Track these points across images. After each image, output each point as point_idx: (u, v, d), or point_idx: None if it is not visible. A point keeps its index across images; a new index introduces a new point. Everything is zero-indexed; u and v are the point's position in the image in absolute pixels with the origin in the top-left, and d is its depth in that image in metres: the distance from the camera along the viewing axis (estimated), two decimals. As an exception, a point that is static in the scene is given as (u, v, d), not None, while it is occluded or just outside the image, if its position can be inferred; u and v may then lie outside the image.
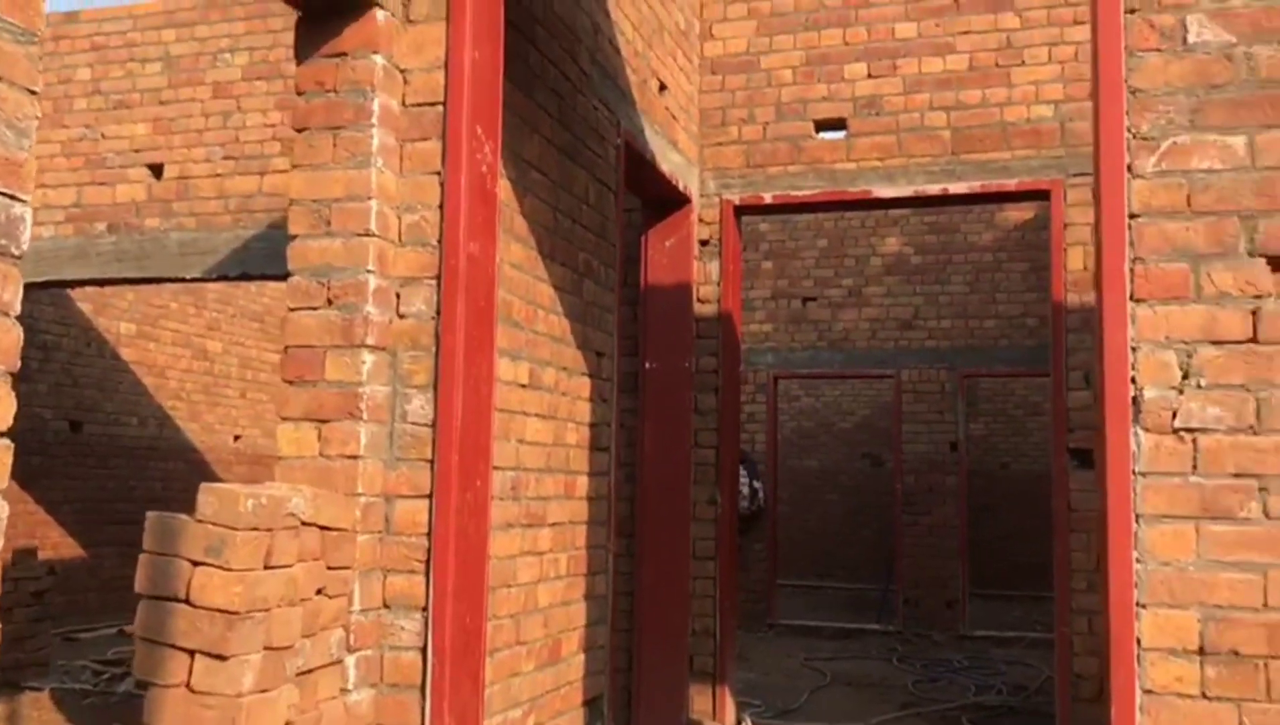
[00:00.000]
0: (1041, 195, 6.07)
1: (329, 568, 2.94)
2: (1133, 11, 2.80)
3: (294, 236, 3.31)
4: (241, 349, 12.02)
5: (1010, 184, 6.04)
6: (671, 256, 6.33)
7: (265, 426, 12.36)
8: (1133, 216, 2.79)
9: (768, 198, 6.39)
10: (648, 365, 6.29)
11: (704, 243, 6.46)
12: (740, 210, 6.48)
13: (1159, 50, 2.78)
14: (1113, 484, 2.78)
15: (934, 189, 6.14)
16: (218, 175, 7.17)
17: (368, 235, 3.23)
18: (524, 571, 4.15)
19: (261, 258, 7.01)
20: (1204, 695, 2.64)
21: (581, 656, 4.69)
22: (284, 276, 5.70)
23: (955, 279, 11.48)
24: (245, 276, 7.00)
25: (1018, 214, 11.42)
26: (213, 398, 11.71)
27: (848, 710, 7.48)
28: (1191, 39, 2.75)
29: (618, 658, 6.05)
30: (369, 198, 3.24)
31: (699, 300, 6.43)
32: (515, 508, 4.08)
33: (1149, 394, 2.74)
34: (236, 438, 12.15)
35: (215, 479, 11.50)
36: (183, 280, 7.08)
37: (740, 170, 6.46)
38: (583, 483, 4.75)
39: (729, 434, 6.40)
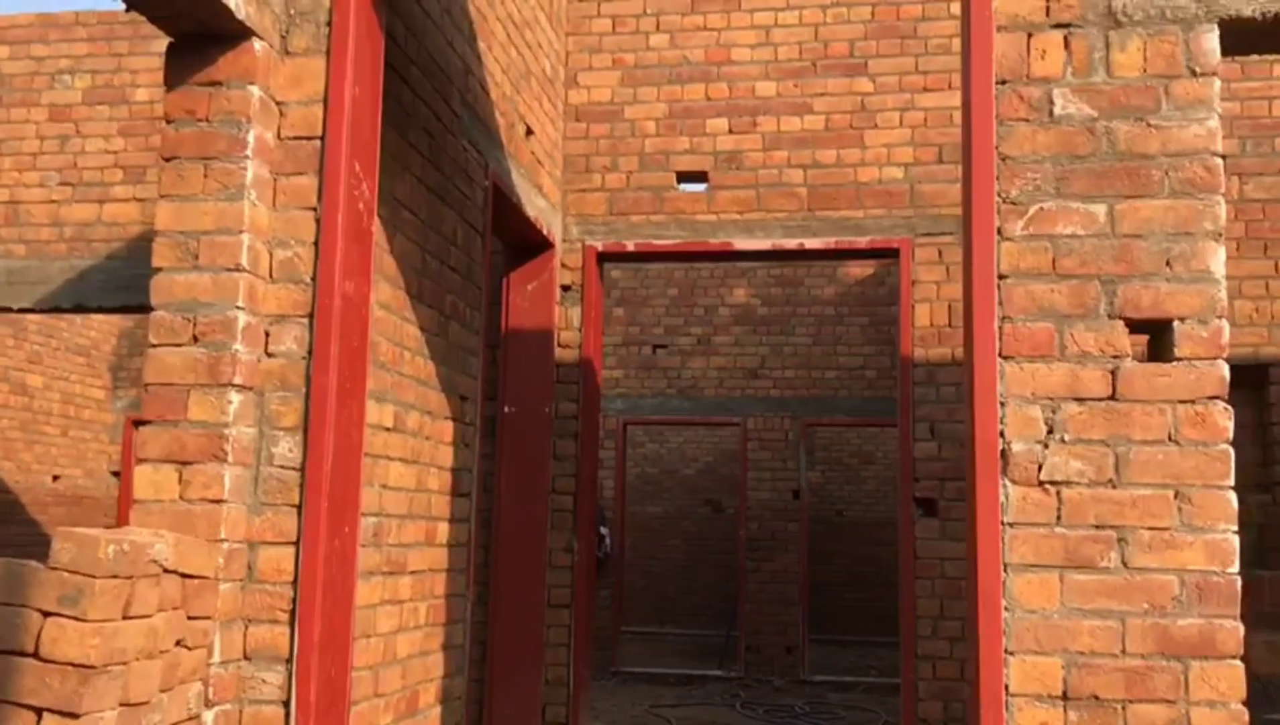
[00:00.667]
0: (891, 253, 6.31)
1: (189, 617, 2.79)
2: (1003, 83, 2.95)
3: (158, 269, 3.15)
4: (65, 384, 11.36)
5: (862, 241, 6.26)
6: (533, 301, 6.31)
7: (87, 466, 11.69)
8: (1001, 277, 2.92)
9: (630, 245, 6.44)
10: (507, 409, 6.23)
11: (566, 288, 6.46)
12: (603, 257, 6.52)
13: (1027, 120, 2.93)
14: (982, 534, 2.88)
15: (791, 243, 6.30)
16: (53, 201, 6.79)
17: (238, 270, 3.11)
18: (384, 621, 4.02)
19: (98, 289, 6.66)
20: (1067, 739, 2.74)
21: (438, 709, 4.57)
22: (121, 309, 5.46)
23: (799, 330, 11.79)
24: (80, 308, 6.63)
25: (858, 270, 11.84)
26: (31, 435, 11.01)
27: (696, 758, 7.50)
28: (1058, 111, 2.91)
29: (470, 709, 5.92)
30: (241, 231, 3.12)
31: (560, 345, 6.41)
32: (377, 555, 3.95)
33: (1016, 447, 2.86)
34: (55, 478, 11.45)
35: (28, 521, 10.79)
36: (10, 310, 6.65)
37: (603, 217, 6.50)
38: (443, 529, 4.65)
39: (587, 481, 6.38)
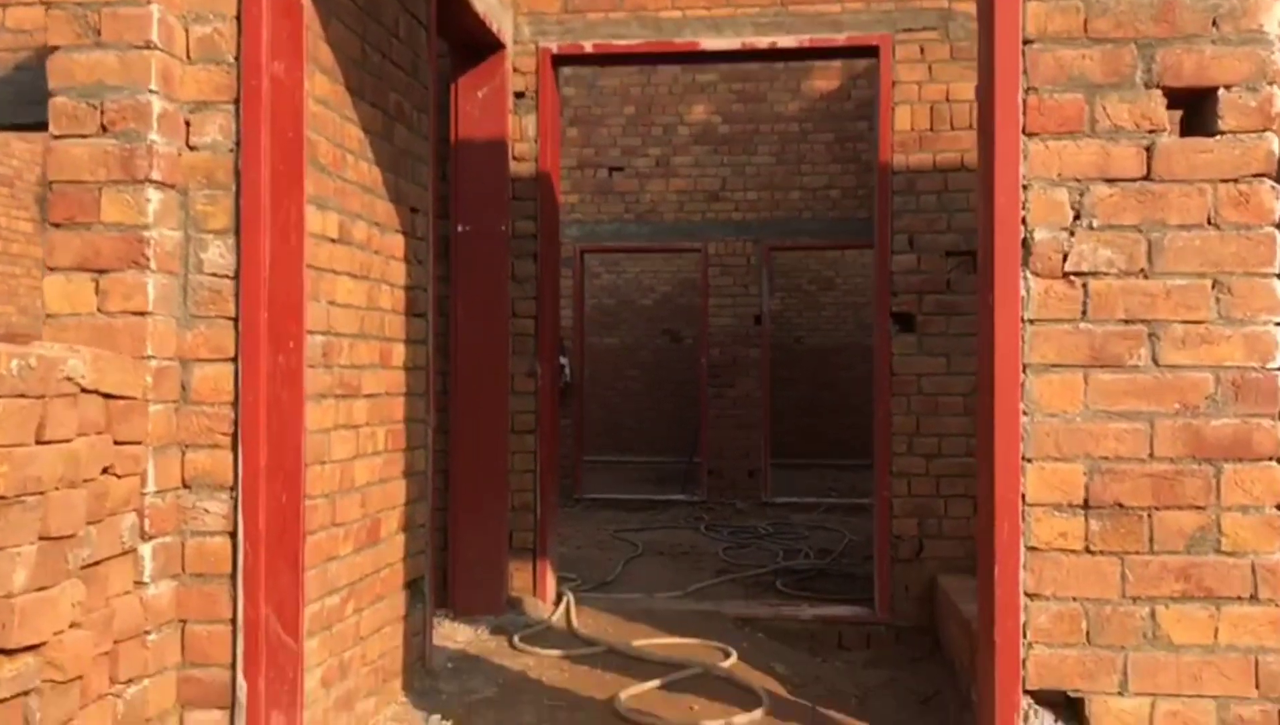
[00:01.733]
0: (870, 51, 5.89)
1: (116, 442, 2.47)
2: None
3: (55, 48, 2.71)
4: (-13, 217, 10.74)
5: (839, 38, 5.83)
6: (485, 109, 5.85)
7: (20, 302, 11.18)
8: (1027, 43, 2.57)
9: (588, 46, 5.96)
10: (460, 228, 5.85)
11: (519, 95, 6.00)
12: (559, 60, 6.04)
13: None
14: (1000, 333, 2.61)
15: (762, 42, 5.86)
16: (-52, 4, 6.13)
17: (149, 47, 2.68)
18: (339, 446, 3.73)
19: (9, 104, 6.08)
20: (1088, 550, 2.55)
21: (401, 537, 4.34)
22: (36, 126, 4.94)
23: (762, 149, 11.36)
24: (-12, 124, 6.05)
25: (824, 83, 11.36)
26: (-45, 271, 10.45)
27: (664, 579, 7.43)
28: None
29: (435, 538, 5.74)
30: (149, 1, 2.68)
31: (515, 158, 5.99)
32: (328, 376, 3.64)
33: (1039, 236, 2.57)
34: (-14, 316, 10.94)
35: (-37, 361, 10.34)
36: (-90, 127, 6.06)
37: (558, 16, 5.99)
38: (399, 351, 4.33)
39: (548, 303, 6.06)
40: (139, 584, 2.58)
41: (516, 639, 5.28)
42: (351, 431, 3.85)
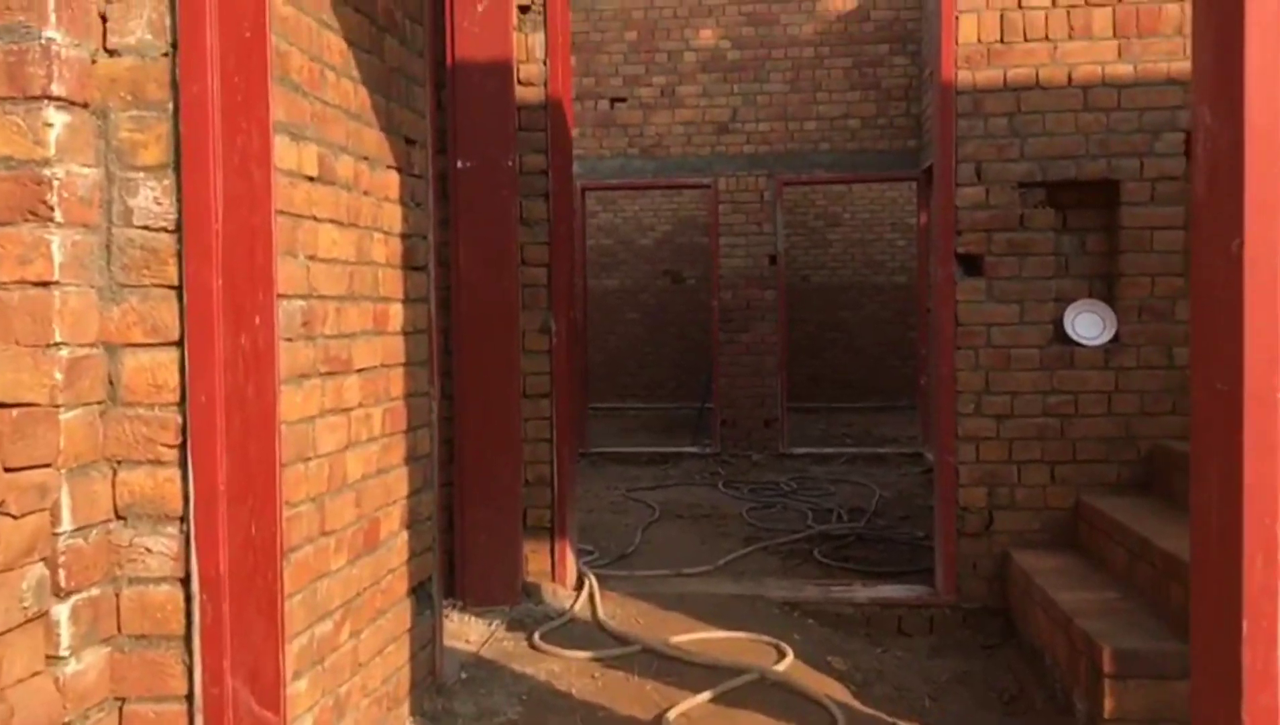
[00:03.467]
0: (929, -48, 5.09)
1: (7, 469, 1.74)
2: None
3: (-96, -92, 1.93)
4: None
5: (894, -62, 5.02)
6: (485, 25, 5.05)
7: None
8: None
9: (603, -48, 5.15)
10: (460, 164, 5.08)
11: (524, 9, 5.20)
12: (569, -33, 5.23)
13: None
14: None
15: (805, -57, 5.05)
16: None
17: (39, -93, 1.90)
18: (327, 437, 3.01)
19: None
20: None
21: (404, 535, 3.63)
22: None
23: (774, 76, 10.53)
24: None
25: (840, 3, 10.50)
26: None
27: (689, 549, 6.77)
28: None
29: (439, 518, 5.05)
30: None
31: (521, 82, 5.21)
32: (310, 350, 2.91)
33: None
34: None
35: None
36: None
37: (568, -84, 5.18)
38: (396, 313, 3.59)
39: (562, 248, 5.31)
40: (52, 659, 1.86)
41: (537, 637, 4.60)
42: (342, 416, 3.12)
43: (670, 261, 16.23)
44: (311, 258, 2.94)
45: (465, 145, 5.06)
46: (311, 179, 2.94)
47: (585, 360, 11.01)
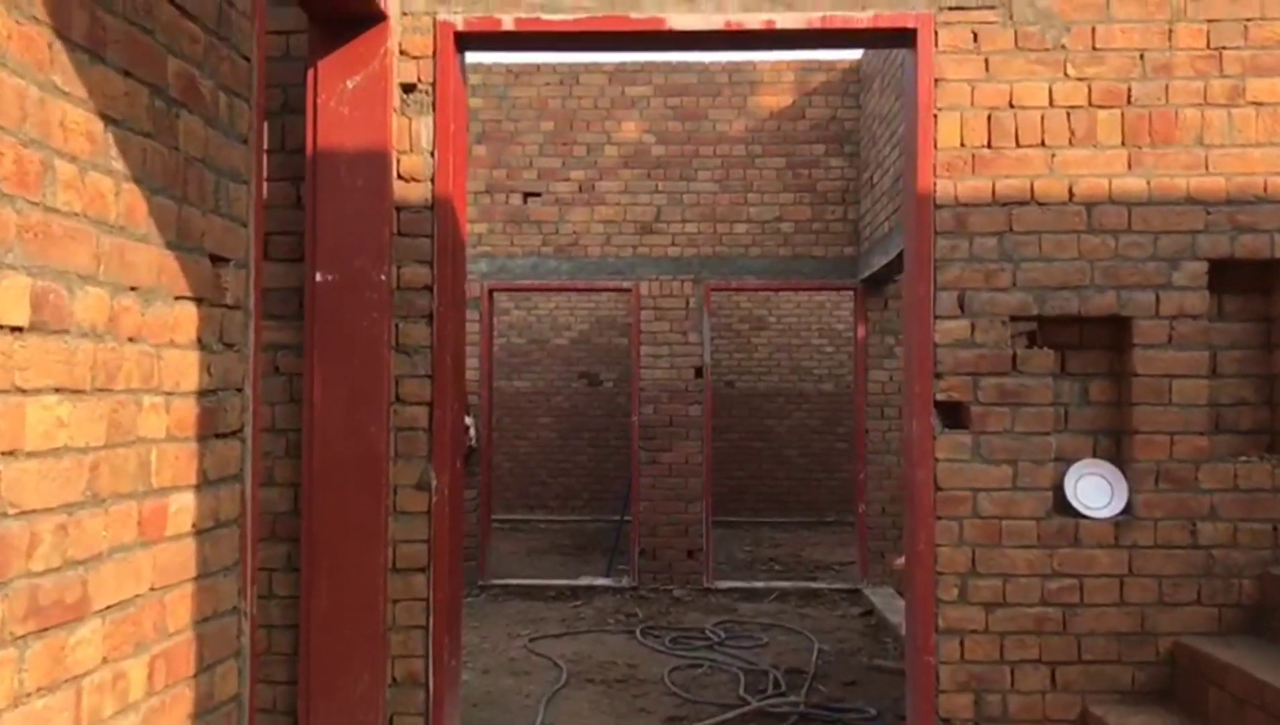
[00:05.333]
0: (901, 37, 4.22)
1: None
2: None
3: None
4: None
5: (861, 18, 4.15)
6: (358, 105, 4.03)
7: None
8: None
9: (508, 22, 4.19)
10: (319, 277, 4.01)
11: (409, 88, 4.20)
12: (466, 40, 4.24)
13: None
14: None
15: (754, 21, 4.15)
16: None
17: None
18: (27, 735, 1.88)
19: None
20: None
21: (186, 830, 2.48)
22: None
23: (703, 175, 9.69)
24: None
25: (773, 100, 9.75)
26: None
27: (601, 735, 5.63)
28: None
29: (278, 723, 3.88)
30: None
31: (401, 177, 4.18)
32: None
33: None
34: None
35: None
36: None
37: (465, -22, 4.22)
38: (184, 507, 2.48)
39: (449, 382, 4.23)
40: None
41: None
42: (65, 693, 1.99)
43: (587, 362, 15.26)
44: (13, 454, 1.85)
45: (326, 254, 4.00)
46: (17, 329, 1.86)
47: (490, 480, 9.86)
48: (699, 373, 9.58)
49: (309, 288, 4.03)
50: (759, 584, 9.76)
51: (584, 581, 9.74)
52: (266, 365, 4.15)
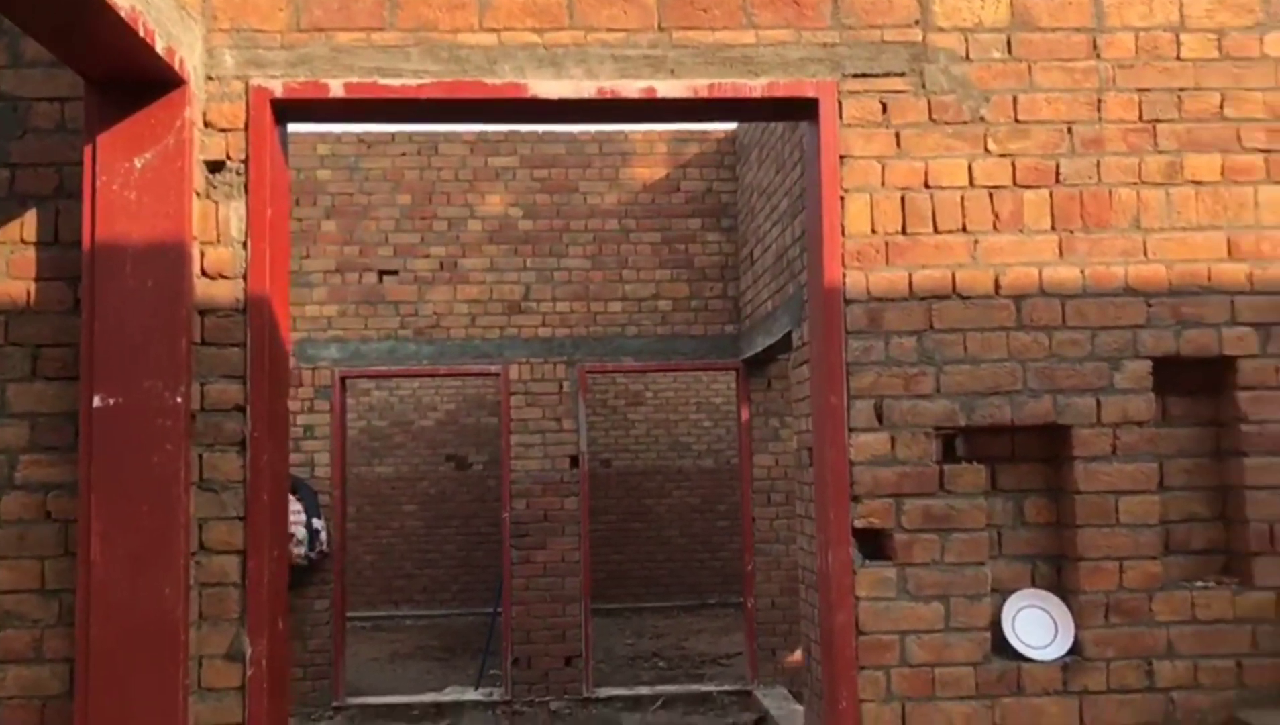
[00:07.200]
0: (803, 107, 3.66)
1: None
2: None
3: None
4: None
5: (755, 86, 3.58)
6: (147, 188, 3.26)
7: None
8: None
9: (337, 88, 3.48)
10: (97, 401, 3.20)
11: (215, 167, 3.44)
12: (284, 108, 3.52)
13: None
14: None
15: (631, 88, 3.54)
16: None
17: None
18: None
19: None
20: None
21: None
22: None
23: (574, 251, 9.06)
24: None
25: (646, 171, 9.22)
26: None
27: None
28: None
29: None
30: None
31: (206, 273, 3.41)
32: None
33: None
34: None
35: None
36: None
37: (284, 35, 3.50)
38: None
39: (268, 520, 3.43)
40: None
41: None
42: None
43: (454, 444, 14.38)
44: None
45: (107, 372, 3.20)
46: None
47: (344, 589, 8.92)
48: (575, 462, 8.87)
49: (84, 413, 3.21)
50: (643, 690, 9.01)
51: (451, 696, 8.84)
52: (35, 510, 3.32)
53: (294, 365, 8.77)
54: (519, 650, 8.74)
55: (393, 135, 9.11)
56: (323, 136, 9.06)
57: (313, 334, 8.82)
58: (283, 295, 3.60)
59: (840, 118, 3.60)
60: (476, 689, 9.04)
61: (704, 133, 9.34)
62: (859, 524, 3.51)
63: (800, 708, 7.50)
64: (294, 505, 8.55)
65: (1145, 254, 3.60)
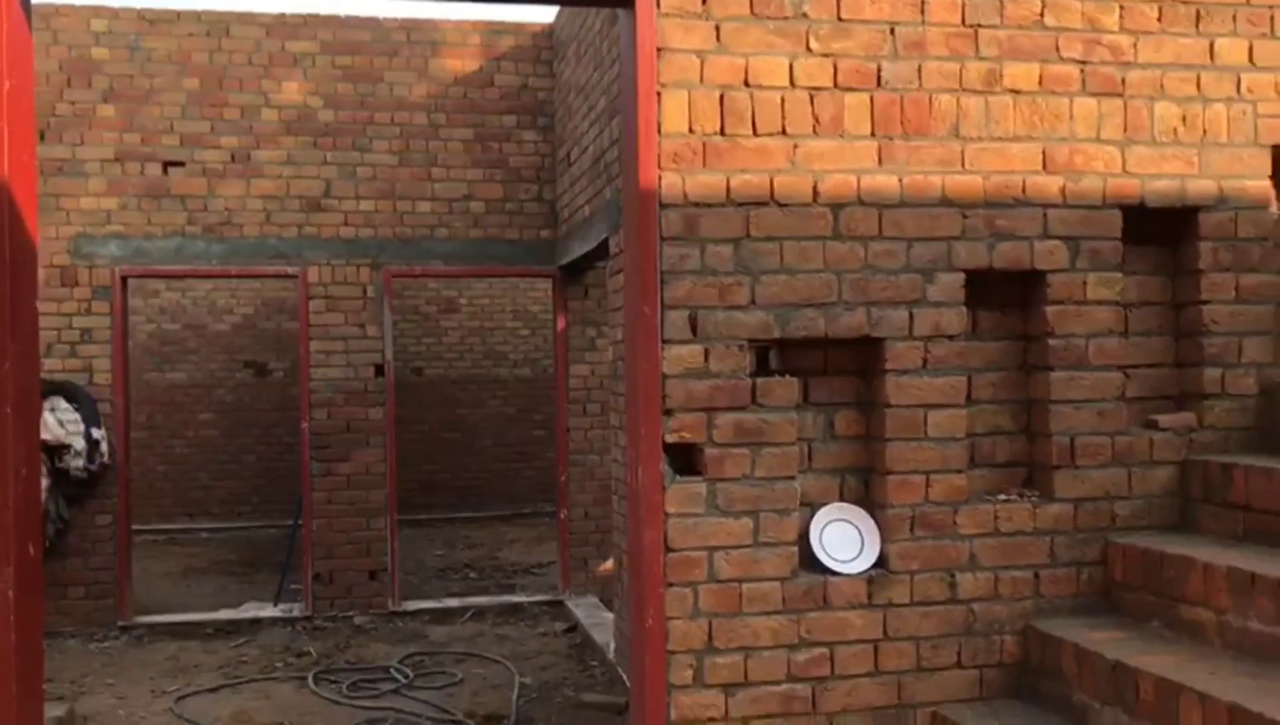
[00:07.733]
0: (618, -6, 3.40)
1: None
2: None
3: None
4: None
5: (568, -33, 3.29)
6: None
7: None
8: None
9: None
10: None
11: (-65, 26, 2.94)
12: (20, -40, 3.03)
13: None
14: None
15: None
16: None
17: None
18: None
19: None
20: None
21: None
22: None
23: (379, 145, 8.57)
24: None
25: (458, 63, 8.76)
26: None
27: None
28: None
29: None
30: None
31: (-75, 152, 2.93)
32: None
33: None
34: None
35: None
36: None
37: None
38: None
39: (11, 437, 3.02)
40: None
41: None
42: None
43: (253, 350, 13.69)
44: None
45: None
46: None
47: (128, 502, 8.34)
48: (380, 371, 8.49)
49: None
50: (453, 602, 8.84)
51: (249, 613, 8.46)
52: None
53: (68, 262, 8.05)
54: (320, 565, 8.41)
55: (178, 13, 8.34)
56: (98, 10, 8.22)
57: (88, 229, 8.09)
58: (26, 180, 3.14)
59: (658, 6, 3.35)
60: (276, 605, 8.68)
61: (520, 25, 8.93)
62: (670, 439, 3.36)
63: (611, 616, 7.47)
64: (71, 415, 7.92)
65: (963, 164, 3.53)
